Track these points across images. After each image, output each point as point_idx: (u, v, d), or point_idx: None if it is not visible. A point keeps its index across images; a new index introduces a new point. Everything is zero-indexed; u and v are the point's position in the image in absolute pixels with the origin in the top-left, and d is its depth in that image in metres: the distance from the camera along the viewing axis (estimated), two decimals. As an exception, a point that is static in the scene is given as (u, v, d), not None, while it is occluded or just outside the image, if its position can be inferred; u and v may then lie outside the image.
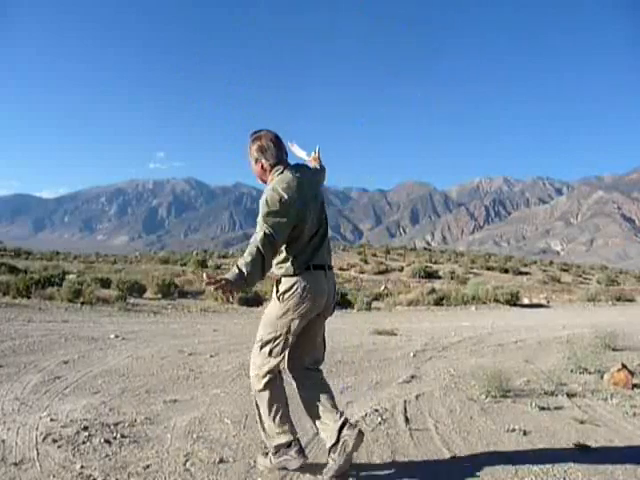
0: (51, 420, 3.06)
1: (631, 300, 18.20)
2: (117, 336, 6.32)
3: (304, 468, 2.44)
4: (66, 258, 33.08)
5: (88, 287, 10.99)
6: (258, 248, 2.30)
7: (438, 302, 14.09)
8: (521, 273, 31.38)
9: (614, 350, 6.15)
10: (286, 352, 2.48)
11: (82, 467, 2.45)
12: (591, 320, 10.33)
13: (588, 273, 34.92)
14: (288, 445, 2.45)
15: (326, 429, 2.39)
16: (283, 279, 2.46)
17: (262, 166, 2.49)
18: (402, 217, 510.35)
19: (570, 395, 4.03)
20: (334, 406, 2.46)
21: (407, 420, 3.35)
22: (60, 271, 16.11)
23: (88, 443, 2.74)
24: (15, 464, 2.45)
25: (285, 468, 2.45)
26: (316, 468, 2.45)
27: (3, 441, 2.71)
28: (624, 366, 4.55)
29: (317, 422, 2.45)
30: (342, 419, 2.37)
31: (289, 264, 2.44)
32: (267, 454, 2.52)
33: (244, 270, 2.26)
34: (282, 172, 2.46)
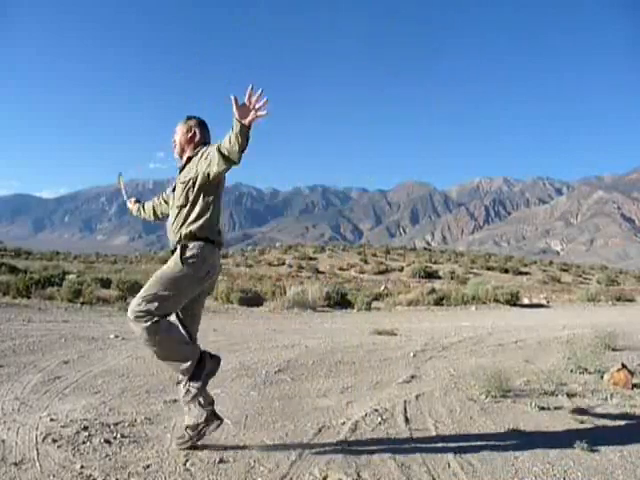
0: (51, 420, 3.06)
1: (631, 300, 18.20)
2: (117, 336, 6.32)
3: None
4: (66, 258, 33.09)
5: (88, 287, 10.99)
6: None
7: (438, 302, 14.09)
8: (521, 273, 31.41)
9: (614, 350, 6.15)
10: (166, 311, 2.57)
11: (82, 467, 2.45)
12: (591, 320, 10.33)
13: (588, 273, 34.93)
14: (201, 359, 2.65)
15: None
16: (190, 244, 2.62)
17: (193, 138, 2.79)
18: (402, 217, 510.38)
19: (570, 395, 4.03)
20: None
21: (407, 420, 3.35)
22: (60, 271, 16.11)
23: (88, 443, 2.74)
24: (15, 464, 2.45)
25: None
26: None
27: (3, 441, 2.71)
28: (624, 366, 4.55)
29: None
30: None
31: (203, 226, 2.64)
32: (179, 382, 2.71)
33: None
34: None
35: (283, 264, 30.91)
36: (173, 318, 2.71)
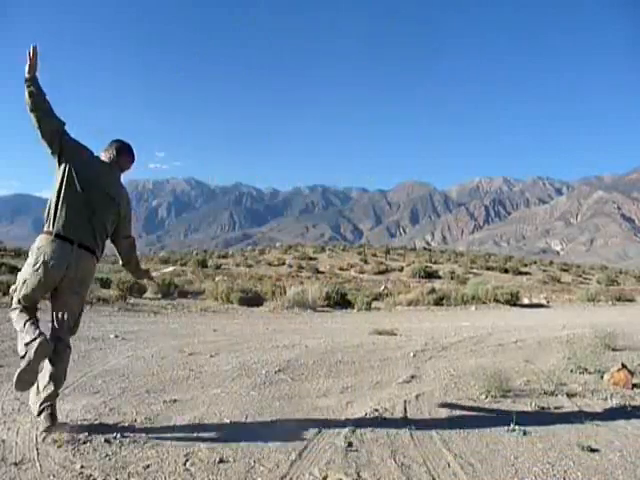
0: (51, 420, 3.05)
1: (631, 300, 18.20)
2: (117, 336, 6.32)
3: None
4: (66, 258, 33.05)
5: (88, 287, 10.97)
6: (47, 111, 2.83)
7: (438, 302, 14.09)
8: (521, 273, 31.43)
9: (614, 350, 6.15)
10: (21, 303, 2.83)
11: (82, 467, 2.45)
12: (591, 320, 10.32)
13: (588, 273, 34.96)
14: (32, 341, 2.67)
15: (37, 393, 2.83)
16: (39, 236, 2.83)
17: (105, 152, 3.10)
18: (402, 217, 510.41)
19: (570, 395, 4.03)
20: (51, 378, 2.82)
21: (407, 420, 3.34)
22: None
23: (88, 443, 2.74)
24: (15, 464, 2.45)
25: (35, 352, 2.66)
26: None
27: (3, 441, 2.71)
28: (624, 366, 4.55)
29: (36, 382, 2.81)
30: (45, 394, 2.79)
31: (48, 221, 2.83)
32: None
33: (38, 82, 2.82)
34: (98, 157, 3.04)
35: (283, 264, 30.93)
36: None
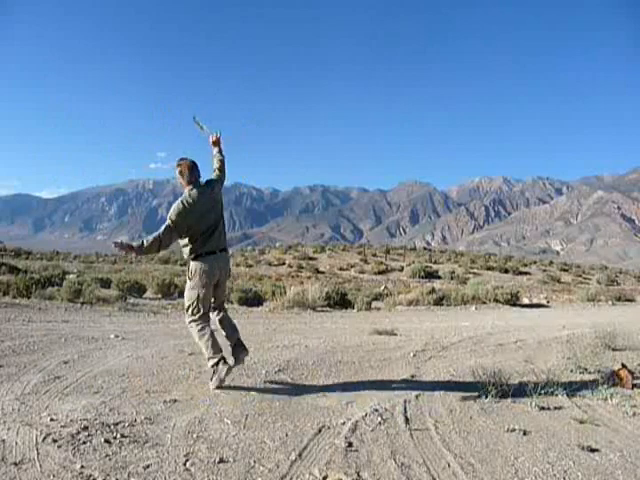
0: (51, 420, 3.06)
1: (631, 300, 18.20)
2: (117, 336, 6.32)
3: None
4: (66, 258, 33.10)
5: (88, 287, 10.99)
6: (159, 234, 3.69)
7: (438, 302, 14.09)
8: (521, 273, 31.44)
9: (614, 350, 6.14)
10: (202, 310, 3.86)
11: (82, 467, 2.45)
12: (591, 320, 10.32)
13: (588, 273, 34.96)
14: (217, 363, 3.80)
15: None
16: (190, 262, 3.84)
17: (180, 182, 3.92)
18: (402, 217, 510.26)
19: (570, 395, 4.03)
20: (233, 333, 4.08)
21: (407, 420, 3.35)
22: (60, 271, 16.11)
23: (88, 443, 2.74)
24: (15, 464, 2.45)
25: (224, 375, 3.81)
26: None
27: (3, 441, 2.71)
28: (624, 366, 4.55)
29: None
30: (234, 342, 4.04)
31: (188, 250, 3.84)
32: (211, 378, 3.88)
33: (144, 243, 3.69)
34: (192, 189, 3.82)
35: (283, 264, 30.92)
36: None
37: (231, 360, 3.92)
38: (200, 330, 3.82)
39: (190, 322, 3.88)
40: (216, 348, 3.80)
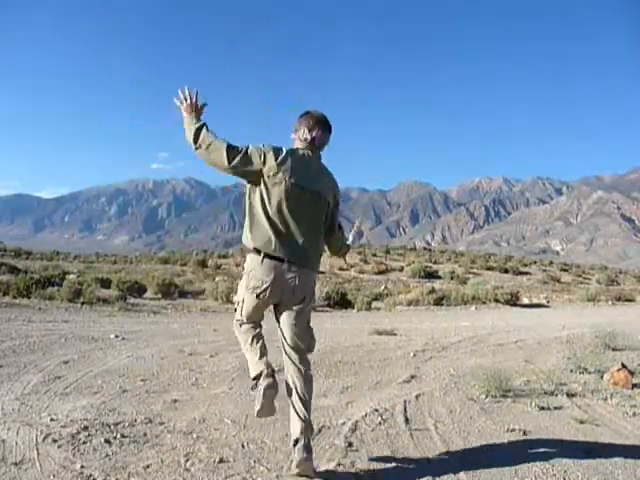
0: (51, 420, 3.06)
1: (631, 300, 18.21)
2: (117, 336, 6.32)
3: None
4: (66, 258, 33.08)
5: (88, 287, 10.99)
6: (220, 142, 2.45)
7: (438, 302, 14.10)
8: (521, 273, 31.41)
9: (614, 350, 6.15)
10: (245, 315, 2.65)
11: (82, 467, 2.45)
12: (591, 320, 10.33)
13: (588, 273, 34.95)
14: (258, 376, 2.49)
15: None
16: (247, 255, 2.59)
17: (296, 132, 2.63)
18: (402, 217, 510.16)
19: (570, 395, 4.03)
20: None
21: (407, 420, 3.34)
22: (60, 271, 16.12)
23: (88, 443, 2.74)
24: (15, 464, 2.45)
25: (263, 395, 2.45)
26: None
27: (3, 441, 2.71)
28: (624, 366, 4.55)
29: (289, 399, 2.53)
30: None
31: (245, 235, 2.55)
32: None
33: (206, 128, 2.51)
34: (307, 149, 2.57)
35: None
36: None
37: (295, 459, 2.40)
38: (244, 333, 2.73)
39: (235, 321, 2.77)
40: (259, 361, 2.59)
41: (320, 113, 2.63)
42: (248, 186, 2.55)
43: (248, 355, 2.65)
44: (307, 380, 2.53)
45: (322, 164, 2.65)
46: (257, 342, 2.66)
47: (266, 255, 2.47)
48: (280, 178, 2.46)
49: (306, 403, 2.48)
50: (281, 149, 2.52)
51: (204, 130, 2.51)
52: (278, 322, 2.66)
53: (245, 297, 2.61)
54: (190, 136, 2.51)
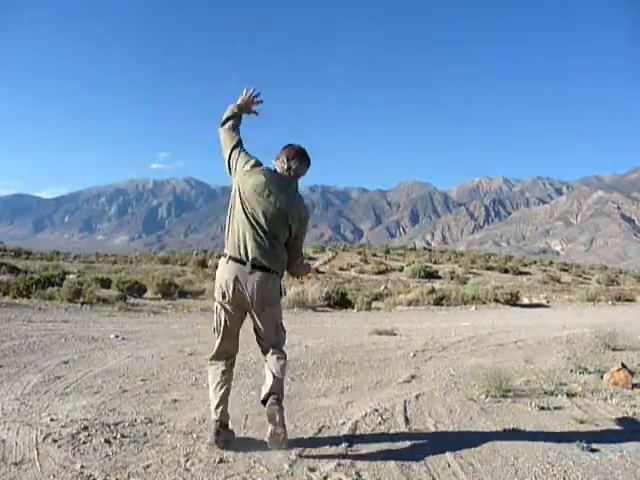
0: (51, 420, 3.06)
1: (631, 300, 18.21)
2: (117, 336, 6.32)
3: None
4: (66, 258, 33.10)
5: (88, 287, 11.00)
6: (236, 134, 2.96)
7: (438, 302, 14.10)
8: (521, 273, 31.44)
9: (614, 350, 6.15)
10: (221, 334, 2.83)
11: (82, 467, 2.45)
12: (591, 320, 10.33)
13: (588, 273, 34.97)
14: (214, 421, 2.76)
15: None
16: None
17: (277, 159, 2.93)
18: (402, 217, 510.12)
19: (570, 395, 4.03)
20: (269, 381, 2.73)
21: (407, 420, 3.34)
22: (60, 271, 16.12)
23: (88, 443, 2.74)
24: (15, 464, 2.45)
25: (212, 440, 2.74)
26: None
27: (3, 441, 2.71)
28: (624, 366, 4.55)
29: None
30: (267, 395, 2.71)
31: (224, 243, 2.83)
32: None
33: (237, 120, 3.02)
34: (268, 169, 2.86)
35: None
36: None
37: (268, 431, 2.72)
38: (212, 374, 2.88)
39: (209, 359, 2.91)
40: (216, 410, 2.79)
41: (300, 146, 2.93)
42: (230, 202, 2.85)
43: (210, 397, 2.84)
44: (280, 365, 2.77)
45: (296, 189, 2.92)
46: (220, 389, 2.82)
47: (231, 257, 2.74)
48: (258, 191, 2.75)
49: (280, 381, 2.75)
50: (266, 168, 2.86)
51: (235, 119, 3.00)
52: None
53: (216, 304, 2.82)
54: (224, 116, 3.00)
